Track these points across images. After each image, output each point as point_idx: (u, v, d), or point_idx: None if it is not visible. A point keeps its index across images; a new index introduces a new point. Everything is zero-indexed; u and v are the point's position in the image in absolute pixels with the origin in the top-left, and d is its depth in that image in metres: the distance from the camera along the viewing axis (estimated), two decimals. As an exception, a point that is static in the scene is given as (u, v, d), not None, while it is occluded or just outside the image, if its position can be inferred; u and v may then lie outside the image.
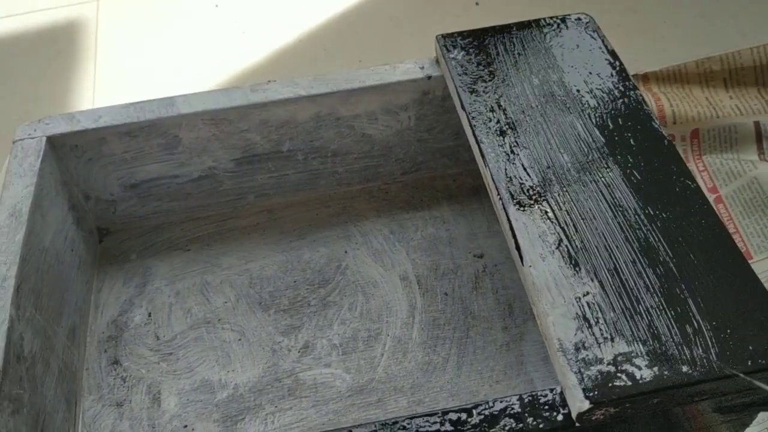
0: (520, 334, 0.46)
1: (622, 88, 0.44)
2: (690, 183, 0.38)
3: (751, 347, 0.32)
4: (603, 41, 0.47)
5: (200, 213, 0.54)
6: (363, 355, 0.46)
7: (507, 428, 0.32)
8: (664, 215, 0.37)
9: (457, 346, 0.46)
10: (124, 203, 0.52)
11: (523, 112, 0.42)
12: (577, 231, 0.36)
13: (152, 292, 0.50)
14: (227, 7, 0.78)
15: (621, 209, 0.37)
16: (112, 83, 0.70)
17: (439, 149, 0.54)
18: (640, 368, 0.31)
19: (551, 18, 0.49)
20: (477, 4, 0.73)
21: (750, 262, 0.49)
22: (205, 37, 0.74)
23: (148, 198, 0.52)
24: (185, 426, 0.43)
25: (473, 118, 0.42)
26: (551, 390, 0.33)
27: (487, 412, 0.32)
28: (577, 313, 0.33)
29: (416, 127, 0.52)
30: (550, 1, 0.57)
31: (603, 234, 0.36)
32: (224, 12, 0.77)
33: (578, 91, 0.44)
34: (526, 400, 0.33)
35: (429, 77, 0.49)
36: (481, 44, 0.47)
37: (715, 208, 0.53)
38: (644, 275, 0.34)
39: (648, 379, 0.31)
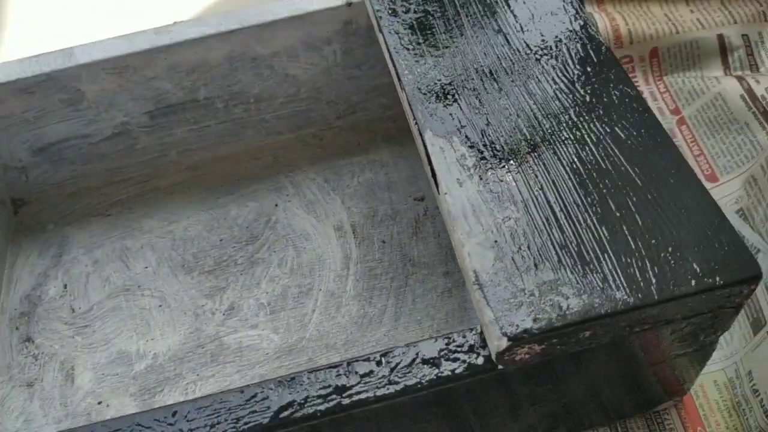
0: (463, 279, 0.41)
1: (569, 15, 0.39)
2: (629, 90, 0.34)
3: (696, 266, 0.27)
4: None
5: (120, 175, 0.50)
6: (293, 313, 0.42)
7: (422, 377, 0.28)
8: (598, 126, 0.32)
9: (395, 295, 0.42)
10: (35, 169, 0.48)
11: (448, 31, 0.38)
12: (500, 149, 0.32)
13: (68, 262, 0.46)
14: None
15: (551, 118, 0.33)
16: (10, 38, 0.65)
17: (374, 87, 0.49)
18: (567, 297, 0.27)
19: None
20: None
21: (716, 184, 0.45)
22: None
23: (60, 162, 0.48)
24: (99, 402, 0.40)
25: (390, 35, 0.38)
26: (471, 330, 0.29)
27: (398, 360, 0.28)
28: (496, 241, 0.29)
29: (344, 63, 0.47)
30: None
31: (528, 150, 0.32)
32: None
33: (515, 13, 0.39)
34: (443, 344, 0.28)
35: (349, 4, 0.44)
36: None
37: (677, 131, 0.49)
38: (574, 193, 0.30)
39: (575, 309, 0.27)
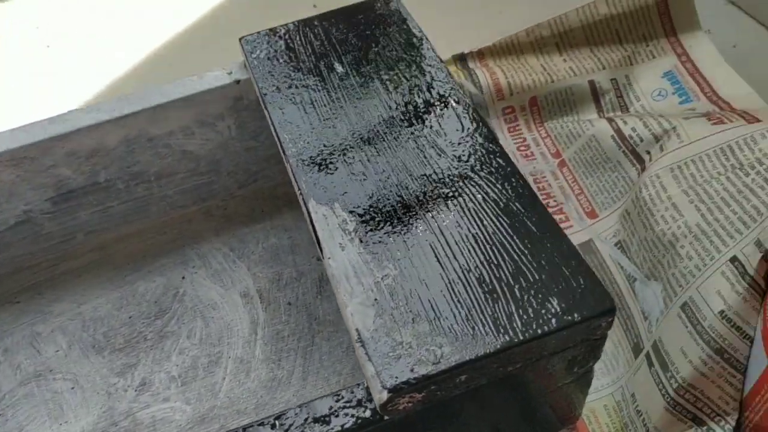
0: (366, 333, 0.43)
1: (424, 66, 0.42)
2: (494, 147, 0.37)
3: (557, 306, 0.30)
4: (410, 25, 0.46)
5: (27, 261, 0.50)
6: (203, 383, 0.43)
7: (315, 435, 0.30)
8: (467, 185, 0.35)
9: (303, 356, 0.43)
10: (-61, 264, 0.48)
11: (329, 103, 0.40)
12: (379, 214, 0.34)
13: (-22, 354, 0.46)
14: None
15: (424, 180, 0.35)
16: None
17: (272, 155, 0.51)
18: (441, 346, 0.29)
19: (355, 5, 0.47)
20: (315, 6, 0.72)
21: (595, 220, 0.48)
22: (32, 74, 0.71)
23: (-35, 254, 0.49)
24: (14, 493, 0.40)
25: (274, 111, 0.40)
26: (358, 385, 0.30)
27: (291, 421, 0.30)
28: (376, 299, 0.31)
29: (239, 136, 0.49)
30: None
31: (403, 213, 0.34)
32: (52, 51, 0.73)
33: (385, 75, 0.42)
34: (333, 401, 0.30)
35: (237, 81, 0.46)
36: (285, 40, 0.45)
37: (559, 173, 0.52)
38: (447, 248, 0.32)
39: (449, 357, 0.29)
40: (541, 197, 0.52)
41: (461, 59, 0.59)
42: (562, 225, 0.50)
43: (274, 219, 0.51)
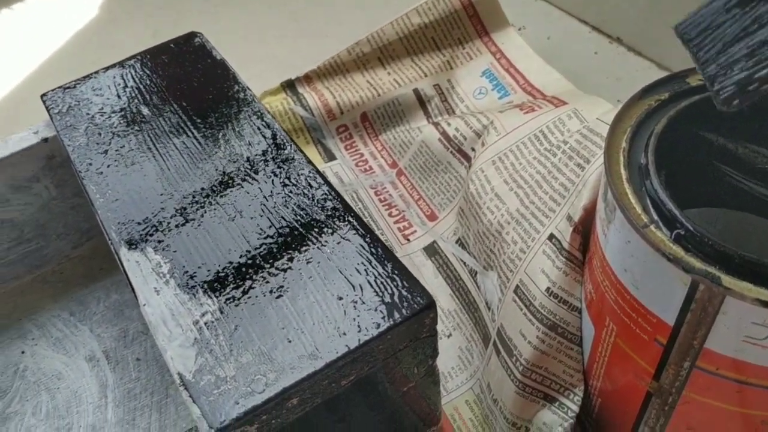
0: (219, 374, 0.42)
1: (239, 97, 0.42)
2: (309, 173, 0.37)
3: (379, 311, 0.30)
4: (216, 59, 0.45)
5: None
6: (53, 459, 0.40)
7: (151, 489, 0.28)
8: (289, 217, 0.35)
9: (158, 410, 0.42)
10: None
11: (138, 147, 0.39)
12: (192, 252, 0.34)
13: None
14: None
15: (239, 216, 0.35)
16: None
17: (103, 210, 0.50)
18: (265, 374, 0.29)
19: (160, 45, 0.47)
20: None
21: (436, 222, 0.49)
22: None
23: None
24: None
25: (78, 163, 0.39)
26: (191, 430, 0.29)
27: (123, 481, 0.29)
28: (195, 338, 0.30)
29: (61, 195, 0.47)
30: (211, 36, 0.54)
31: (222, 250, 0.34)
32: None
33: (192, 113, 0.41)
34: (166, 451, 0.29)
35: (45, 140, 0.45)
36: (89, 90, 0.44)
37: (398, 182, 0.53)
38: (265, 278, 0.32)
39: (273, 383, 0.28)
40: (383, 208, 0.53)
41: (290, 86, 0.60)
42: (405, 232, 0.51)
43: (114, 275, 0.49)
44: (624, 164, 0.29)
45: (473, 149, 0.49)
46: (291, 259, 0.33)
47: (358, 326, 0.30)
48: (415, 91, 0.57)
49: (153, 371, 0.43)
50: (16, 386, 0.44)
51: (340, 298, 0.31)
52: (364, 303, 0.31)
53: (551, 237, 0.37)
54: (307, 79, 0.60)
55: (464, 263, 0.46)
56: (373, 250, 0.33)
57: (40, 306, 0.48)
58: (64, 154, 0.45)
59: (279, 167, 0.37)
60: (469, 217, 0.46)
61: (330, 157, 0.57)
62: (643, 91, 0.32)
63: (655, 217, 0.27)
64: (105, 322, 0.46)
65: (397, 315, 0.30)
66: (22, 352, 0.46)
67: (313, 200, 0.35)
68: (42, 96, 0.44)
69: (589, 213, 0.36)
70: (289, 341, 0.30)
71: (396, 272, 0.32)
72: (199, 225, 0.35)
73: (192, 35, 0.48)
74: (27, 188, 0.46)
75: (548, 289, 0.37)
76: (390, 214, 0.52)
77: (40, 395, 0.43)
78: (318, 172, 0.37)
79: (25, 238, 0.48)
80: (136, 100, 0.42)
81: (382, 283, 0.31)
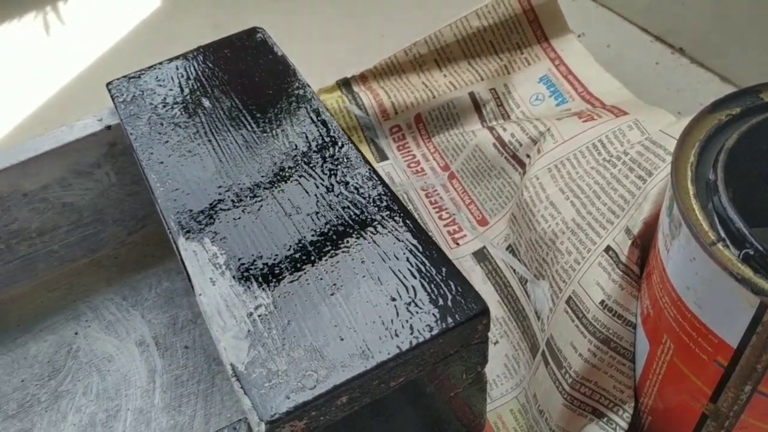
0: (266, 367, 0.43)
1: (297, 93, 0.43)
2: (370, 174, 0.37)
3: (432, 315, 0.30)
4: (277, 54, 0.46)
5: None
6: (101, 440, 0.41)
7: (199, 477, 0.29)
8: (336, 216, 0.35)
9: (203, 398, 0.42)
10: None
11: (198, 137, 0.40)
12: (248, 245, 0.34)
13: None
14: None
15: (295, 212, 0.35)
16: None
17: (159, 198, 0.50)
18: (316, 371, 0.29)
19: (222, 40, 0.47)
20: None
21: (486, 227, 0.49)
22: None
23: None
24: None
25: (140, 152, 0.39)
26: (240, 420, 0.30)
27: (172, 467, 0.29)
28: (248, 330, 0.30)
29: (120, 182, 0.48)
30: (269, 29, 0.54)
31: (277, 244, 0.34)
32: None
33: (251, 107, 0.42)
34: (215, 440, 0.29)
35: (109, 127, 0.45)
36: (153, 81, 0.44)
37: (449, 185, 0.53)
38: (319, 274, 0.32)
39: (325, 380, 0.28)
40: (433, 210, 0.52)
41: (345, 84, 0.60)
42: (455, 235, 0.51)
43: (166, 263, 0.50)
44: (691, 179, 0.28)
45: (528, 156, 0.49)
46: (345, 257, 0.33)
47: (411, 328, 0.30)
48: (471, 95, 0.57)
49: (200, 360, 0.44)
50: (69, 366, 0.45)
51: (393, 299, 0.31)
52: (417, 305, 0.30)
53: (608, 249, 0.37)
54: (363, 78, 0.60)
55: (514, 270, 0.46)
56: (427, 252, 0.33)
57: (94, 289, 0.49)
58: (125, 142, 0.46)
59: (335, 164, 0.37)
60: (521, 225, 0.45)
61: (382, 156, 0.57)
62: (714, 105, 0.31)
63: (723, 234, 0.26)
64: (156, 309, 0.47)
65: (449, 320, 0.30)
66: (76, 333, 0.47)
67: (369, 199, 0.35)
68: (107, 84, 0.45)
69: (650, 227, 0.35)
70: (341, 339, 0.30)
71: (450, 276, 0.31)
72: (256, 218, 0.35)
73: (254, 30, 0.48)
74: (89, 174, 0.47)
75: (603, 302, 0.36)
76: (440, 217, 0.52)
77: (91, 376, 0.44)
78: (374, 171, 0.37)
79: (84, 222, 0.49)
80: (197, 92, 0.43)
81: (435, 286, 0.31)
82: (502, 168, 0.50)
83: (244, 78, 0.44)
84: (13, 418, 0.43)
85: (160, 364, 0.44)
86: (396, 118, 0.57)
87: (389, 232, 0.34)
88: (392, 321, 0.30)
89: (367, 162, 0.37)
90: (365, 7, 0.75)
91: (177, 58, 0.46)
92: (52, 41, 0.77)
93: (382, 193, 0.35)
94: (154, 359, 0.44)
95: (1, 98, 0.71)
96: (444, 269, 0.32)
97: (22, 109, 0.68)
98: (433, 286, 0.31)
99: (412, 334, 0.30)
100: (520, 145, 0.50)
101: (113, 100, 0.43)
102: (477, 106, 0.56)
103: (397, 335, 0.30)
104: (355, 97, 0.58)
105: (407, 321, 0.30)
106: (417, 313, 0.30)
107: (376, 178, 0.36)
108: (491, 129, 0.53)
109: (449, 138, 0.55)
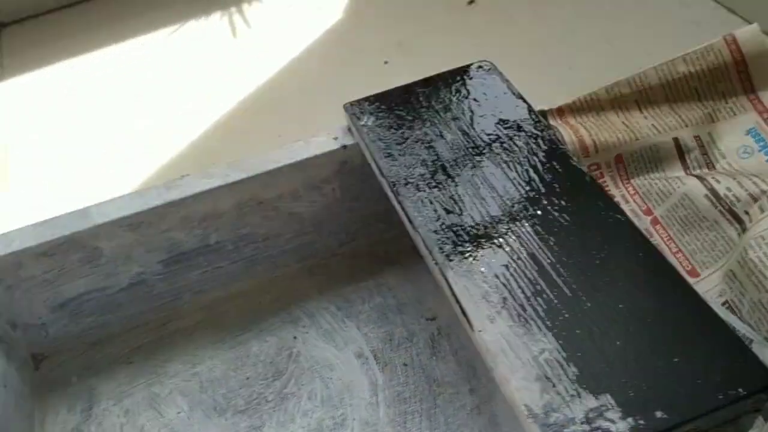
0: (488, 394, 0.44)
1: (535, 130, 0.44)
2: (620, 217, 0.38)
3: (719, 379, 0.31)
4: (507, 85, 0.47)
5: (137, 321, 0.51)
6: (330, 445, 0.43)
7: None
8: (602, 255, 0.36)
9: (427, 418, 0.44)
10: (55, 324, 0.50)
11: (443, 169, 0.42)
12: (519, 285, 0.35)
13: (100, 414, 0.47)
14: (125, 104, 0.76)
15: (559, 254, 0.37)
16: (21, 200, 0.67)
17: (371, 214, 0.53)
18: (613, 422, 0.30)
19: (453, 71, 0.49)
20: (386, 63, 0.73)
21: (697, 279, 0.49)
22: (113, 136, 0.72)
23: (79, 315, 0.50)
24: None
25: (393, 183, 0.42)
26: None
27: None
28: (537, 374, 0.32)
29: (343, 198, 0.51)
30: (453, 49, 0.57)
31: (546, 284, 0.35)
32: (126, 109, 0.75)
33: (494, 139, 0.43)
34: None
35: (344, 147, 0.48)
36: (389, 107, 0.47)
37: (653, 231, 0.54)
38: (597, 321, 0.34)
39: (623, 432, 0.30)
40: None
41: (542, 116, 0.61)
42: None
43: (375, 277, 0.52)
44: None
45: (746, 212, 0.49)
46: (620, 313, 0.34)
47: (704, 392, 0.31)
48: (675, 140, 0.57)
49: (420, 378, 0.46)
50: (291, 369, 0.47)
51: (682, 360, 0.32)
52: (708, 368, 0.31)
53: None
54: (560, 112, 0.61)
55: (734, 328, 0.46)
56: (704, 311, 0.33)
57: (306, 295, 0.52)
58: (356, 162, 0.49)
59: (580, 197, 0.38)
60: (745, 284, 0.45)
61: (578, 192, 0.58)
62: None
63: None
64: (370, 323, 0.49)
65: (741, 388, 0.31)
66: (294, 338, 0.49)
67: (636, 255, 0.36)
68: (345, 105, 0.47)
69: None
70: (632, 392, 0.31)
71: (735, 343, 0.32)
72: (518, 258, 0.37)
73: (482, 63, 0.50)
74: (318, 188, 0.49)
75: None
76: (643, 261, 0.52)
77: (314, 382, 0.47)
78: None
79: (304, 231, 0.51)
80: (435, 120, 0.45)
81: (723, 349, 0.32)
82: (716, 221, 0.51)
83: (477, 107, 0.45)
84: (243, 413, 0.46)
85: (381, 379, 0.46)
86: (596, 156, 0.58)
87: (664, 294, 0.35)
88: (686, 382, 0.31)
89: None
90: (552, 37, 0.75)
91: (410, 87, 0.48)
92: (239, 43, 0.81)
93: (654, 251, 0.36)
94: (374, 373, 0.46)
95: (193, 95, 0.74)
96: (725, 336, 0.33)
97: (215, 108, 0.72)
98: (719, 351, 0.32)
99: (705, 398, 0.31)
100: (738, 200, 0.50)
101: (352, 121, 0.46)
102: (681, 152, 0.57)
103: (691, 397, 0.31)
104: (553, 131, 0.59)
105: (698, 383, 0.31)
106: (707, 377, 0.31)
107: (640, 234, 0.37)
108: (701, 179, 0.53)
109: (651, 182, 0.56)
